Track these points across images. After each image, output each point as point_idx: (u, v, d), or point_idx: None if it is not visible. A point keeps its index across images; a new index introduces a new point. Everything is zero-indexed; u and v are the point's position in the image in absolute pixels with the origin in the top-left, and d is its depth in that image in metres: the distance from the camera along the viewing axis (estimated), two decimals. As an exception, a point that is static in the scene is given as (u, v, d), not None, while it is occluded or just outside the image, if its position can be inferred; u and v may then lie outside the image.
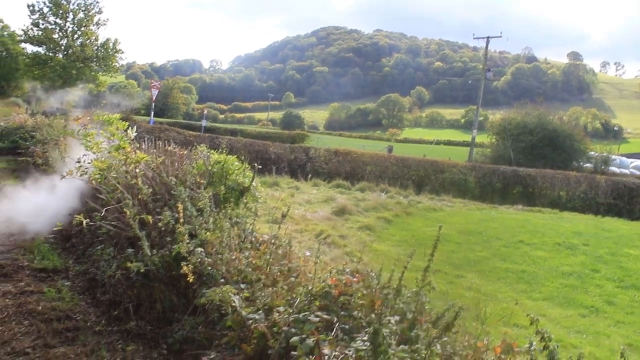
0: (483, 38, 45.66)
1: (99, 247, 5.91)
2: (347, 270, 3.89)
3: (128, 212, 4.79)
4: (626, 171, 44.33)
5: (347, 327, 3.31)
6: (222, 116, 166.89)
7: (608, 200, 23.44)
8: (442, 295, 4.39)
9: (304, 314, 3.40)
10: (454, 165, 27.01)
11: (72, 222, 5.71)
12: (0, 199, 8.54)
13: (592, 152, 41.80)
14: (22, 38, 58.73)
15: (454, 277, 9.83)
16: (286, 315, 3.45)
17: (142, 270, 4.58)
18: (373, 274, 3.82)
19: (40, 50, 58.41)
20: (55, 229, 6.11)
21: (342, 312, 3.45)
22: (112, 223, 5.35)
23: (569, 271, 11.04)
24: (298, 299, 3.64)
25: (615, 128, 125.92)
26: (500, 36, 45.28)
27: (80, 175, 6.18)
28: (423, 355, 2.99)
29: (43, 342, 4.37)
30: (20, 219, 7.74)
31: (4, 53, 63.57)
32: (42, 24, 56.89)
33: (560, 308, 8.75)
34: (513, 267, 11.01)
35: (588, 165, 39.56)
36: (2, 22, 66.10)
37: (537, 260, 11.78)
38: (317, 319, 3.31)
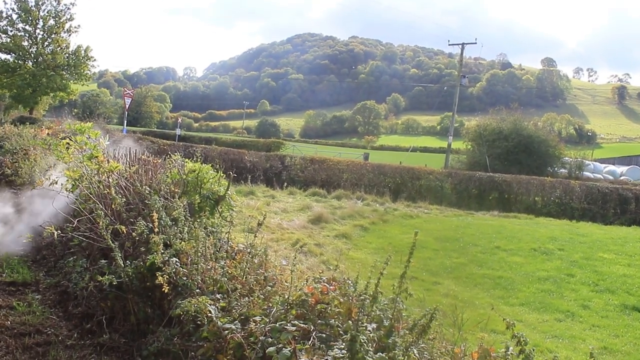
0: (458, 44, 46.30)
1: (71, 258, 5.79)
2: (324, 278, 3.86)
3: (100, 223, 4.70)
4: (599, 176, 45.08)
5: (324, 335, 3.27)
6: (197, 124, 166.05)
7: (582, 205, 23.79)
8: (419, 302, 4.38)
9: (280, 323, 3.36)
10: (430, 172, 27.17)
11: (42, 234, 5.59)
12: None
13: (567, 158, 42.40)
14: (-11, 45, 57.67)
15: (431, 284, 9.85)
16: (263, 325, 3.41)
17: (114, 283, 4.50)
18: (350, 282, 3.81)
19: (9, 57, 57.34)
20: (25, 241, 5.97)
21: (319, 321, 3.41)
22: (85, 234, 5.24)
23: (545, 276, 11.13)
24: (275, 308, 3.60)
25: (589, 133, 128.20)
26: (475, 42, 45.58)
27: (51, 185, 6.07)
28: (401, 362, 2.97)
29: (12, 358, 4.26)
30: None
31: (-29, 60, 62.46)
32: (11, 31, 55.86)
33: (536, 313, 8.82)
34: (490, 273, 11.08)
35: (562, 170, 40.11)
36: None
37: (513, 266, 11.87)
38: (294, 328, 3.27)
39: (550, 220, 21.00)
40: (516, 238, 15.02)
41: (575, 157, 43.98)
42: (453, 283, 10.13)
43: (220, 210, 5.91)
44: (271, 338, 3.25)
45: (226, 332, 3.47)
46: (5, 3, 59.80)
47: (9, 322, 4.92)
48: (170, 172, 6.12)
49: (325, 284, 3.75)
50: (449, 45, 48.33)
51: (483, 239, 14.62)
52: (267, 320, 3.46)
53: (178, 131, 50.60)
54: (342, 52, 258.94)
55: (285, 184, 23.60)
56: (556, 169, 39.70)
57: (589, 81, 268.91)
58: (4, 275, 6.29)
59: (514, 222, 19.35)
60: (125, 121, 38.85)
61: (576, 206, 23.73)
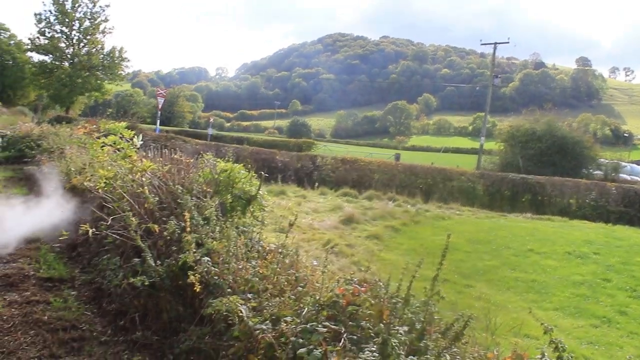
0: (491, 44, 45.74)
1: (105, 256, 5.87)
2: (355, 279, 3.85)
3: (131, 223, 4.76)
4: (637, 178, 44.00)
5: (355, 337, 3.26)
6: (229, 124, 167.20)
7: (619, 208, 23.20)
8: (451, 305, 4.33)
9: (311, 324, 3.35)
10: (462, 173, 26.91)
11: (78, 231, 5.68)
12: (6, 208, 8.54)
13: (602, 159, 41.52)
14: (29, 47, 59.15)
15: (463, 287, 9.74)
16: (294, 326, 3.41)
17: (146, 284, 4.55)
18: (381, 284, 3.78)
19: (47, 59, 58.71)
20: (61, 238, 6.08)
21: (350, 322, 3.40)
22: (118, 232, 5.31)
23: (580, 280, 10.91)
24: (305, 309, 3.59)
25: (626, 134, 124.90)
26: (508, 42, 44.90)
27: (86, 183, 6.16)
28: (433, 366, 2.94)
29: (49, 353, 4.34)
30: (26, 228, 7.74)
31: (11, 62, 64.17)
32: (49, 33, 57.19)
33: (571, 318, 8.65)
34: (523, 276, 10.91)
35: (598, 172, 39.27)
36: (9, 31, 66.71)
37: (547, 269, 11.66)
38: (325, 329, 3.27)
39: (585, 223, 20.58)
40: (550, 241, 14.76)
41: (611, 158, 43.08)
42: (485, 286, 10.00)
43: (251, 209, 5.93)
44: (302, 339, 3.25)
45: (257, 332, 3.48)
46: (44, 5, 61.24)
47: (46, 317, 5.02)
48: (203, 171, 6.16)
49: (357, 285, 3.73)
50: (481, 44, 47.97)
51: (516, 242, 14.41)
52: (298, 321, 3.46)
53: (210, 131, 51.04)
54: (373, 52, 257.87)
55: (317, 184, 23.59)
56: (591, 170, 38.90)
57: (625, 81, 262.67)
58: (42, 270, 6.42)
59: (547, 224, 19.03)
60: (158, 121, 39.26)
61: (612, 209, 23.19)
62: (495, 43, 45.30)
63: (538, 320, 3.20)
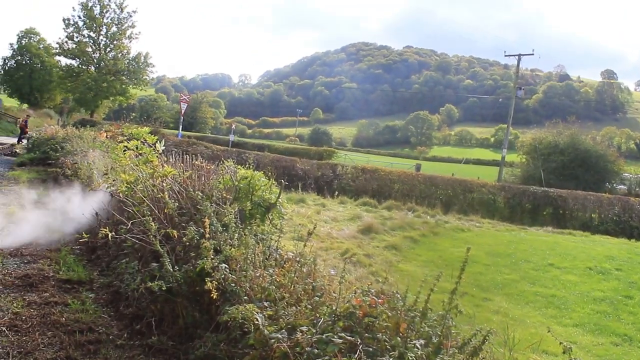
0: (514, 56, 45.29)
1: (124, 260, 5.91)
2: (372, 290, 3.82)
3: (151, 228, 4.78)
4: (662, 194, 43.33)
5: (371, 349, 3.23)
6: (250, 131, 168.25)
7: (643, 224, 22.88)
8: (469, 318, 4.26)
9: (327, 334, 3.33)
10: (483, 184, 26.74)
11: (98, 234, 5.73)
12: (29, 209, 8.65)
13: (626, 174, 41.03)
14: (57, 51, 60.23)
15: (481, 300, 9.65)
16: (309, 336, 3.39)
17: (163, 289, 4.56)
18: (398, 296, 3.74)
19: (74, 63, 59.77)
20: (81, 240, 6.13)
21: (366, 334, 3.37)
22: (137, 236, 5.34)
23: (601, 297, 10.74)
24: (322, 319, 3.57)
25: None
26: (532, 54, 44.49)
27: (108, 187, 6.21)
28: (449, 382, 2.90)
29: (65, 354, 4.36)
30: (48, 229, 7.82)
31: (39, 65, 65.24)
32: (77, 37, 58.32)
33: (591, 335, 8.50)
34: (542, 291, 10.77)
35: (622, 187, 38.80)
36: (39, 35, 67.89)
37: (567, 284, 11.51)
38: (341, 341, 3.24)
39: (607, 238, 20.30)
40: (571, 255, 14.57)
41: (636, 173, 42.48)
42: (504, 300, 9.89)
43: (270, 217, 5.93)
44: (317, 349, 3.22)
45: (272, 340, 3.46)
46: (74, 10, 62.34)
47: (63, 319, 5.05)
48: (223, 178, 6.17)
49: (374, 296, 3.70)
50: (505, 56, 47.26)
51: (536, 256, 14.25)
52: (314, 331, 3.44)
53: (231, 137, 51.24)
54: (396, 61, 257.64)
55: (336, 192, 23.60)
56: (615, 185, 38.46)
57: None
58: (61, 272, 6.48)
59: (568, 238, 18.80)
60: (181, 126, 39.58)
61: (636, 225, 22.85)
62: (520, 55, 44.92)
63: (557, 338, 3.14)
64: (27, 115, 42.44)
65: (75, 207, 8.35)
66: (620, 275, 12.73)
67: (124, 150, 6.42)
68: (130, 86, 62.34)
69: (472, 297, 9.65)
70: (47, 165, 16.93)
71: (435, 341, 3.29)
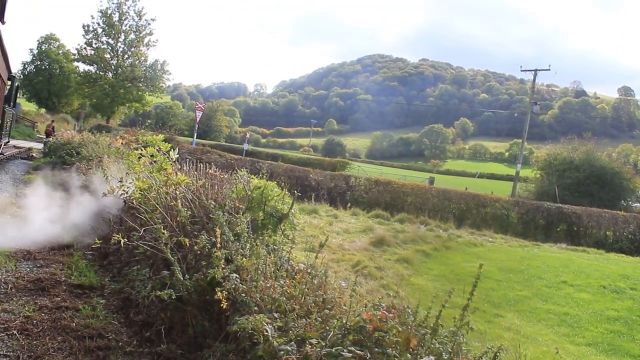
0: (531, 71, 45.17)
1: (135, 266, 5.92)
2: (383, 304, 3.79)
3: (163, 236, 4.79)
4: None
5: (380, 364, 3.20)
6: (264, 140, 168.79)
7: (659, 243, 22.63)
8: (480, 335, 4.23)
9: (336, 348, 3.31)
10: (497, 199, 26.60)
11: (110, 240, 5.75)
12: (43, 214, 8.70)
13: (642, 192, 40.59)
14: (76, 57, 60.98)
15: (493, 316, 9.57)
16: (319, 349, 3.37)
17: (173, 297, 4.56)
18: (409, 310, 3.71)
19: (92, 69, 60.47)
20: (94, 245, 6.16)
21: (376, 349, 3.34)
22: (149, 243, 5.36)
23: (615, 316, 10.60)
24: (331, 332, 3.55)
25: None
26: (549, 69, 44.33)
27: (121, 194, 6.24)
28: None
29: (74, 360, 4.37)
30: (61, 234, 7.86)
31: (58, 71, 65.98)
32: (95, 44, 59.00)
33: (604, 355, 8.39)
34: (555, 309, 10.66)
35: (637, 205, 38.42)
36: (58, 41, 68.71)
37: (580, 302, 11.38)
38: (350, 355, 3.22)
39: (621, 256, 20.08)
40: (584, 273, 14.42)
41: (652, 191, 42.00)
42: (516, 317, 9.81)
43: (282, 228, 5.92)
44: (326, 363, 3.21)
45: (282, 352, 3.45)
46: (92, 18, 63.21)
47: (74, 324, 5.06)
48: (236, 187, 6.18)
49: (385, 310, 3.68)
50: (521, 71, 47.18)
51: (549, 272, 14.12)
52: (324, 344, 3.41)
53: (246, 146, 51.42)
54: (411, 74, 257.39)
55: (349, 204, 23.60)
56: (630, 202, 38.11)
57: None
58: (73, 277, 6.50)
59: (582, 256, 18.62)
60: (195, 134, 39.82)
61: (652, 243, 22.61)
62: (536, 70, 44.78)
63: (568, 357, 3.10)
64: (53, 121, 43.75)
65: (88, 213, 8.40)
66: (635, 295, 12.57)
67: (139, 158, 6.44)
68: (147, 93, 62.93)
69: (484, 313, 9.58)
70: (62, 170, 17.05)
71: (446, 358, 3.26)
